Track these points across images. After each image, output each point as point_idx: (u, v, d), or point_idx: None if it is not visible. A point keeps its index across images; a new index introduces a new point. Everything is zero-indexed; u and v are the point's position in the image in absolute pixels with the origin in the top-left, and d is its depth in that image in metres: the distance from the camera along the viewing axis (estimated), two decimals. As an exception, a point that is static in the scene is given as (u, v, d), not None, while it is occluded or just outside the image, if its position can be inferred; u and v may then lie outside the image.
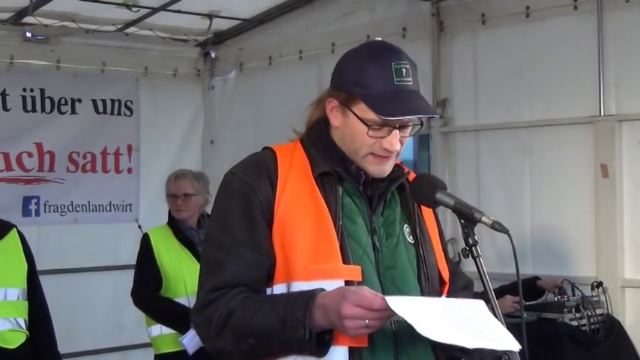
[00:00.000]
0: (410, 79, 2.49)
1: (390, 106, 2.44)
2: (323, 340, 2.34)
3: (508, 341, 2.28)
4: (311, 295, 2.32)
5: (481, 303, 2.39)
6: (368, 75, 2.48)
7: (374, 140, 2.49)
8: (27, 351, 4.60)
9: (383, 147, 2.49)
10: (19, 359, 4.55)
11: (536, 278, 5.65)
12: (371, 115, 2.45)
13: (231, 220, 2.51)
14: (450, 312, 2.32)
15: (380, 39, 2.68)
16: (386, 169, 2.55)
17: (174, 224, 5.55)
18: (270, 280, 2.47)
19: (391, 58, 2.50)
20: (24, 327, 4.61)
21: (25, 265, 4.69)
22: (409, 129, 2.53)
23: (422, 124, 2.58)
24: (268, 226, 2.47)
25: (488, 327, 2.31)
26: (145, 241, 5.50)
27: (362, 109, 2.47)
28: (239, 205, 2.50)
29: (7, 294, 4.55)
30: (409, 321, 2.17)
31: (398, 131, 2.49)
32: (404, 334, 2.47)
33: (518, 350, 2.28)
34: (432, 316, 2.25)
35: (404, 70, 2.48)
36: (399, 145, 2.51)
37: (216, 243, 2.53)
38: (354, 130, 2.51)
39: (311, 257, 2.44)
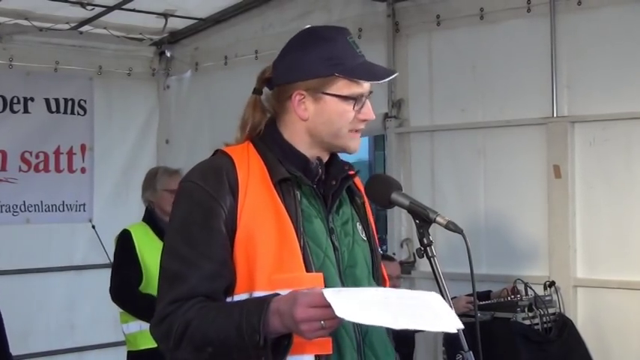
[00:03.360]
0: (360, 49, 2.56)
1: (371, 73, 2.52)
2: (282, 346, 2.31)
3: (447, 324, 2.26)
4: (265, 300, 2.29)
5: (436, 295, 2.37)
6: (337, 52, 2.50)
7: (352, 114, 2.51)
8: None
9: (362, 118, 2.53)
10: None
11: (489, 292, 5.70)
12: (350, 89, 2.49)
13: (192, 231, 2.45)
14: (391, 299, 2.30)
15: (309, 26, 2.69)
16: (359, 143, 2.62)
17: (154, 220, 5.49)
18: (231, 290, 2.44)
19: (344, 34, 2.56)
20: None
21: None
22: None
23: (371, 92, 2.60)
24: (231, 236, 2.43)
25: (431, 312, 2.28)
26: (126, 238, 5.42)
27: (341, 86, 2.49)
28: (200, 215, 2.45)
29: None
30: (332, 304, 2.13)
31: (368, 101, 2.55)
32: (371, 334, 2.50)
33: (455, 331, 2.26)
34: (363, 302, 2.21)
35: (356, 43, 2.56)
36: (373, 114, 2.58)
37: (176, 254, 2.47)
38: (333, 111, 2.51)
39: (274, 267, 2.41)
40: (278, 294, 2.31)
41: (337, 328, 2.32)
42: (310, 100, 2.52)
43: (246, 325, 2.28)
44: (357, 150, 2.61)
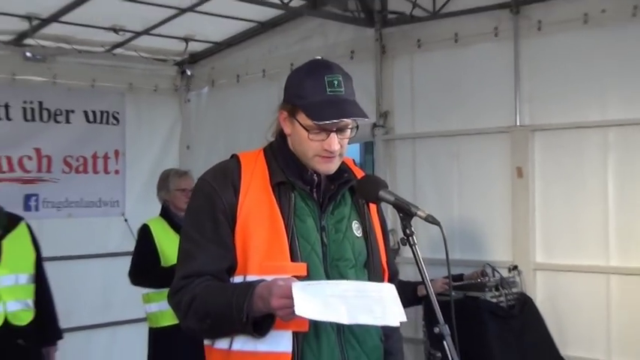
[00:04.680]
0: (342, 89, 2.47)
1: (322, 113, 2.43)
2: (266, 323, 2.36)
3: (392, 319, 2.30)
4: (251, 285, 2.34)
5: (391, 287, 2.41)
6: (305, 88, 2.48)
7: (317, 143, 2.48)
8: (34, 326, 4.58)
9: (324, 148, 2.48)
10: (28, 334, 4.54)
11: (462, 274, 5.72)
12: (309, 122, 2.46)
13: (201, 219, 2.51)
14: (350, 292, 2.31)
15: (319, 57, 2.69)
16: (331, 167, 2.55)
17: (169, 215, 5.48)
18: (232, 271, 2.48)
19: (325, 72, 2.49)
20: (32, 306, 4.59)
21: (33, 254, 4.68)
22: (347, 132, 2.51)
23: (357, 127, 2.54)
24: (231, 226, 2.47)
25: (381, 306, 2.31)
26: (146, 231, 5.41)
27: (303, 117, 2.47)
28: (207, 206, 2.50)
29: (18, 279, 4.53)
30: (294, 301, 2.19)
31: (335, 134, 2.48)
32: None
33: (396, 326, 2.33)
34: (324, 296, 2.25)
35: (336, 82, 2.47)
36: (338, 146, 2.50)
37: (189, 238, 2.54)
38: (300, 136, 2.50)
39: (264, 255, 2.44)
40: (264, 280, 2.34)
41: None
42: (289, 121, 2.55)
43: (235, 305, 2.33)
44: (330, 171, 2.56)
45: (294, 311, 2.21)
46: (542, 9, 5.80)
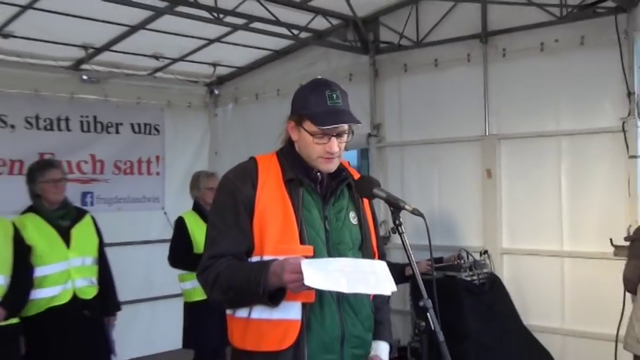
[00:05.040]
0: (340, 101, 2.47)
1: (325, 120, 2.44)
2: (279, 296, 2.35)
3: (384, 288, 2.30)
4: (267, 263, 2.34)
5: (382, 263, 2.41)
6: (310, 101, 2.48)
7: (320, 147, 2.48)
8: (98, 299, 4.59)
9: (326, 150, 2.48)
10: (93, 306, 4.54)
11: (441, 257, 5.70)
12: (314, 128, 2.45)
13: (224, 211, 2.50)
14: (349, 268, 2.31)
15: (320, 77, 2.67)
16: (331, 166, 2.54)
17: (200, 209, 5.47)
18: (250, 253, 2.47)
19: (325, 88, 2.49)
20: (96, 283, 4.60)
21: (97, 240, 4.68)
22: (344, 136, 2.50)
23: (353, 132, 2.53)
24: (249, 216, 2.45)
25: (375, 279, 2.31)
26: (181, 222, 5.38)
27: (308, 125, 2.47)
28: (229, 200, 2.49)
29: (84, 260, 4.53)
30: (304, 273, 2.19)
31: (335, 138, 2.48)
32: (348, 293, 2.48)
33: (388, 294, 2.32)
34: (327, 270, 2.25)
35: (334, 96, 2.47)
36: (337, 148, 2.49)
37: (214, 226, 2.53)
38: (306, 141, 2.50)
39: (278, 239, 2.43)
40: (277, 259, 2.34)
41: None
42: (295, 129, 2.54)
43: (254, 280, 2.33)
44: (330, 170, 2.56)
45: (303, 284, 2.20)
46: (507, 39, 5.81)
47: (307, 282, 2.18)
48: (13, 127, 6.45)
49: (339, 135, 2.49)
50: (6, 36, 5.90)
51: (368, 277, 2.30)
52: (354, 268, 2.33)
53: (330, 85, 2.53)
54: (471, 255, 5.64)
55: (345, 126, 2.49)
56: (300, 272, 2.21)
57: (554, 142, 5.56)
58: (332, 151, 2.49)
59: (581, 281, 5.45)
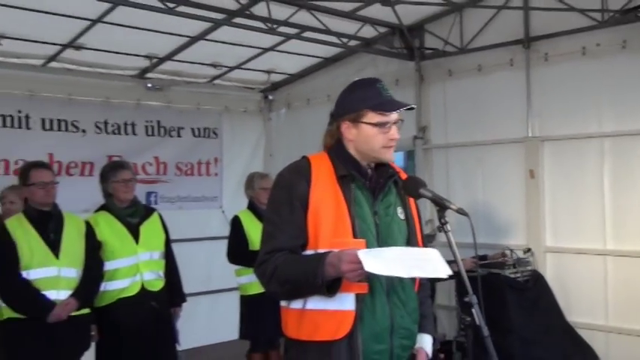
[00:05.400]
0: (389, 92, 2.51)
1: (389, 106, 2.46)
2: (335, 286, 2.34)
3: (439, 273, 2.25)
4: (323, 255, 2.32)
5: (435, 250, 2.37)
6: (366, 96, 2.49)
7: (383, 136, 2.47)
8: (165, 291, 4.65)
9: (389, 138, 2.48)
10: (161, 297, 4.60)
11: (486, 255, 5.62)
12: (377, 118, 2.46)
13: (279, 206, 2.48)
14: (404, 255, 2.29)
15: (357, 78, 2.64)
16: (392, 155, 2.55)
17: (255, 208, 5.49)
18: (304, 247, 2.45)
19: (375, 83, 2.52)
20: (163, 277, 4.64)
21: (164, 236, 4.74)
22: (398, 124, 2.51)
23: (403, 120, 2.54)
24: (304, 211, 2.43)
25: (430, 264, 2.27)
26: (237, 221, 5.39)
27: (370, 117, 2.47)
28: (285, 196, 2.47)
29: (152, 255, 4.59)
30: (362, 261, 2.16)
31: (395, 126, 2.49)
32: (395, 282, 2.48)
33: (446, 277, 2.25)
34: (385, 258, 2.22)
35: (385, 88, 2.51)
36: (398, 135, 2.50)
37: (270, 221, 2.51)
38: (367, 134, 2.48)
39: (332, 233, 2.41)
40: (332, 251, 2.32)
41: (373, 277, 2.34)
42: (352, 128, 2.52)
43: (311, 272, 2.32)
44: (392, 159, 2.57)
45: (361, 273, 2.20)
46: (549, 44, 5.71)
47: (368, 268, 2.15)
48: (84, 131, 6.59)
49: (394, 123, 2.50)
50: (78, 48, 6.04)
51: (423, 263, 2.27)
52: (408, 255, 2.31)
53: (377, 80, 2.55)
54: (515, 253, 5.56)
55: (400, 114, 2.50)
56: (358, 262, 2.19)
57: (597, 143, 5.43)
58: (395, 137, 2.49)
59: (624, 279, 5.31)
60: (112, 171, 4.57)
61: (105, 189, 4.58)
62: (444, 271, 2.27)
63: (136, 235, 4.53)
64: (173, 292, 4.77)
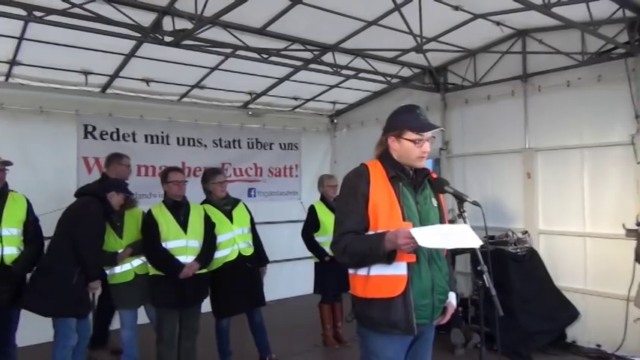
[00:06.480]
0: (425, 116, 2.49)
1: (424, 127, 2.45)
2: (392, 256, 2.33)
3: (474, 243, 2.23)
4: (383, 234, 2.31)
5: (466, 226, 2.33)
6: (407, 118, 2.47)
7: (418, 149, 2.45)
8: (254, 256, 4.65)
9: (422, 151, 2.46)
10: (252, 260, 4.61)
11: (493, 236, 5.39)
12: (414, 136, 2.44)
13: (347, 199, 2.47)
14: (444, 230, 2.27)
15: (407, 103, 2.63)
16: (424, 163, 2.53)
17: (325, 200, 5.47)
18: (366, 229, 2.43)
19: (414, 109, 2.50)
20: (251, 245, 4.65)
21: (249, 217, 4.75)
22: (430, 141, 2.49)
23: (434, 137, 2.51)
24: (365, 203, 2.42)
25: (465, 237, 2.24)
26: (312, 209, 5.38)
27: (409, 135, 2.45)
28: (351, 192, 2.46)
29: (243, 230, 4.58)
30: (415, 237, 2.15)
31: (427, 142, 2.46)
32: (433, 253, 2.46)
33: (478, 246, 2.23)
34: (431, 234, 2.21)
35: (422, 113, 2.49)
36: (429, 149, 2.49)
37: (340, 210, 2.50)
38: (407, 147, 2.46)
39: (387, 217, 2.39)
40: (389, 231, 2.31)
41: (418, 249, 2.33)
42: (396, 141, 2.50)
43: (375, 246, 2.31)
44: (423, 166, 2.53)
45: (412, 246, 2.20)
46: (541, 79, 5.52)
47: (421, 243, 2.14)
48: (205, 146, 6.75)
49: (427, 140, 2.48)
50: (202, 87, 6.22)
51: (459, 237, 2.24)
52: (449, 230, 2.29)
53: (417, 106, 2.54)
54: (515, 234, 5.39)
55: (431, 134, 2.47)
56: (411, 237, 2.19)
57: (578, 152, 5.21)
58: (427, 151, 2.47)
59: (599, 254, 5.08)
60: (212, 175, 4.58)
61: (205, 188, 4.59)
62: (476, 242, 2.23)
63: (230, 218, 4.56)
64: (259, 256, 4.76)
